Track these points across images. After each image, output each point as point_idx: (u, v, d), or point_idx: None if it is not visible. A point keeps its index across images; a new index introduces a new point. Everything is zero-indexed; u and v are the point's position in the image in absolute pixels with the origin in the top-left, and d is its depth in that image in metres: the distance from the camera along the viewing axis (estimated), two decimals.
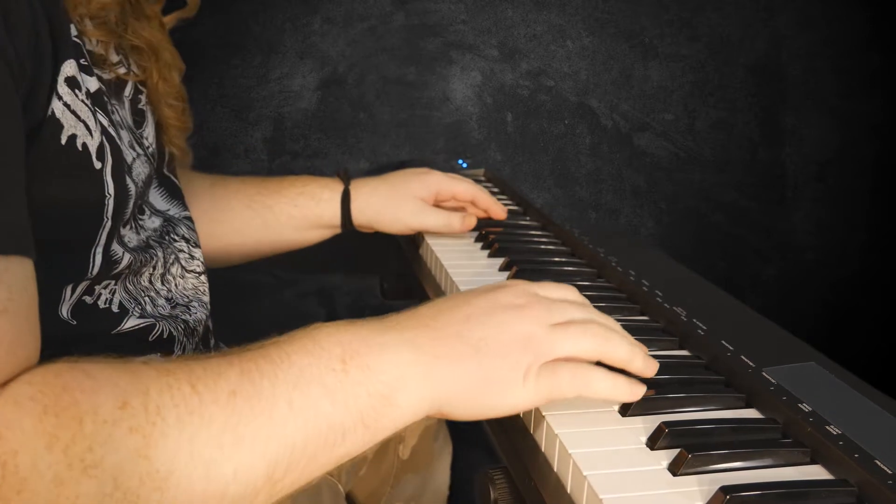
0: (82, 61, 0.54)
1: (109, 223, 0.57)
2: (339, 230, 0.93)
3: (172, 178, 0.76)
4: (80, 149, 0.52)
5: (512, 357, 0.51)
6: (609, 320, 0.57)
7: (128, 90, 0.66)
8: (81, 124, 0.52)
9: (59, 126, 0.50)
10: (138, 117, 0.67)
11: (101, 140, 0.54)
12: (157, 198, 0.72)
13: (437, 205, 0.94)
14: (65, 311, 0.57)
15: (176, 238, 0.72)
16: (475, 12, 1.55)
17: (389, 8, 1.52)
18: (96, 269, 0.58)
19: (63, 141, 0.50)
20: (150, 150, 0.68)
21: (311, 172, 1.37)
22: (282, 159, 1.53)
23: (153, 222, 0.70)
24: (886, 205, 1.72)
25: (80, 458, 0.39)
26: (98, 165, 0.54)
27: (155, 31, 0.68)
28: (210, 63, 1.48)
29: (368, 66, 1.53)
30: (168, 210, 0.73)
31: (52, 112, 0.49)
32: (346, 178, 0.92)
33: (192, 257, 0.73)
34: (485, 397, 0.50)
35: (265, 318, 1.58)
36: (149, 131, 0.68)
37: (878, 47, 1.64)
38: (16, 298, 0.42)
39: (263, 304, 1.58)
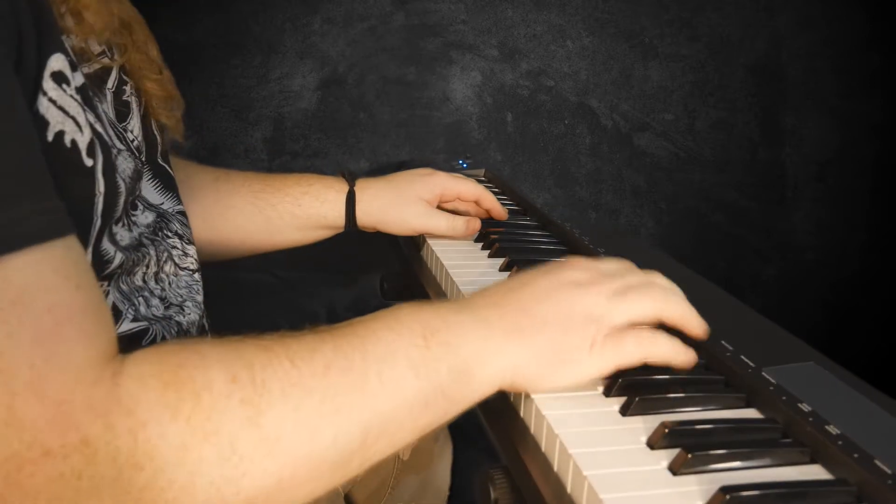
0: (67, 56, 0.52)
1: (99, 222, 0.56)
2: (341, 230, 0.92)
3: (167, 167, 0.74)
4: (68, 146, 0.51)
5: (576, 331, 0.54)
6: (669, 282, 0.60)
7: (111, 82, 0.64)
8: (70, 120, 0.51)
9: (44, 123, 0.48)
10: (123, 108, 0.65)
11: (92, 137, 0.53)
12: (150, 191, 0.71)
13: (441, 205, 0.94)
14: None
15: (169, 234, 0.71)
16: (475, 12, 1.55)
17: (389, 8, 1.52)
18: None
19: (49, 138, 0.49)
20: (135, 143, 0.66)
21: (311, 172, 1.36)
22: (282, 159, 1.53)
23: (146, 217, 0.69)
24: (886, 205, 1.72)
25: (201, 426, 0.43)
26: (89, 163, 0.53)
27: (124, 5, 0.66)
28: (210, 63, 1.49)
29: (368, 66, 1.53)
30: (162, 204, 0.72)
31: (37, 108, 0.48)
32: (351, 179, 0.91)
33: (186, 254, 0.72)
34: (554, 369, 0.53)
35: (265, 318, 1.59)
36: (133, 123, 0.66)
37: (878, 47, 1.64)
38: (82, 273, 0.44)
39: (263, 304, 1.58)
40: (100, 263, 0.58)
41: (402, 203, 0.91)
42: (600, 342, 0.54)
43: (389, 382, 0.49)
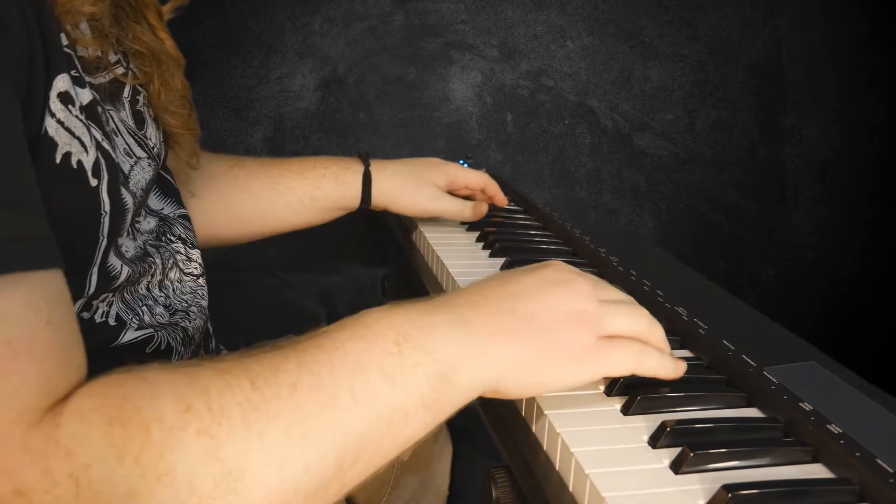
0: (74, 73, 0.51)
1: (105, 241, 0.55)
2: (355, 210, 0.96)
3: (166, 175, 0.74)
4: (74, 167, 0.49)
5: (568, 333, 0.50)
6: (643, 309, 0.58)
7: (126, 91, 0.64)
8: (76, 141, 0.50)
9: (52, 144, 0.47)
10: (137, 118, 0.65)
11: (97, 156, 0.52)
12: (151, 197, 0.71)
13: (451, 193, 0.99)
14: None
15: (172, 239, 0.70)
16: (475, 12, 1.55)
17: (389, 8, 1.52)
18: (93, 289, 0.55)
19: (57, 160, 0.47)
20: (156, 149, 0.66)
21: None
22: None
23: (148, 223, 0.68)
24: (886, 205, 1.72)
25: (153, 466, 0.38)
26: (94, 183, 0.51)
27: (157, 36, 0.66)
28: (210, 63, 1.49)
29: (368, 66, 1.53)
30: (162, 209, 0.72)
31: (45, 130, 0.46)
32: (366, 160, 0.95)
33: (190, 259, 0.71)
34: (541, 374, 0.50)
35: (265, 319, 1.58)
36: (151, 131, 0.67)
37: (878, 47, 1.64)
38: (57, 309, 0.41)
39: (263, 304, 1.58)
40: (107, 280, 0.57)
41: (417, 185, 0.95)
42: (594, 348, 0.50)
43: (363, 398, 0.44)
